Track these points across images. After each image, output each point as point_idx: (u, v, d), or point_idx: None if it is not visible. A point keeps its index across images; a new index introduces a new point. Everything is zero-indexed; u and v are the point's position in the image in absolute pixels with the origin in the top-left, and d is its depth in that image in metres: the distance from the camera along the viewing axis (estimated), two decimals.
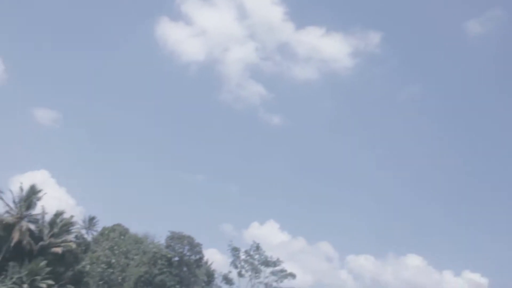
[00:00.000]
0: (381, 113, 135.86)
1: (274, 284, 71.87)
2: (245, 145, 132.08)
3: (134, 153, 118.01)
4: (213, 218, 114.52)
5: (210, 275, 75.51)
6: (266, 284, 71.95)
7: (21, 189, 55.24)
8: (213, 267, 76.96)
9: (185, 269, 70.21)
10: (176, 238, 71.95)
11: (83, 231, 68.93)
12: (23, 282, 49.61)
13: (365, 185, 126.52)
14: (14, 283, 48.45)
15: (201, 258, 73.85)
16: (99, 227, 70.89)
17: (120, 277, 58.54)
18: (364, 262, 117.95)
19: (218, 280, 76.65)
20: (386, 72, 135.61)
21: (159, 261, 65.40)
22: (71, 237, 60.52)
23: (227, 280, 73.91)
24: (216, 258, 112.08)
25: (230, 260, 73.66)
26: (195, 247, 72.55)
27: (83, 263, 58.33)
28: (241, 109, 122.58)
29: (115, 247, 59.36)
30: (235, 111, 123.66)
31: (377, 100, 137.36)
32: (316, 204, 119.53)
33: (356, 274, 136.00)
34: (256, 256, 72.70)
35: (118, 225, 67.06)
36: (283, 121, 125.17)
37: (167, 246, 71.34)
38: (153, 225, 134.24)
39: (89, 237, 69.03)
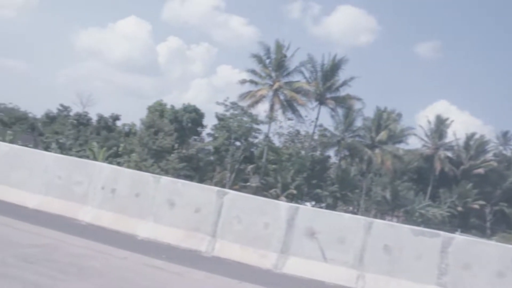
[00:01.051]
0: None
1: None
2: None
3: None
4: None
5: None
6: None
7: (429, 122, 59.80)
8: None
9: None
10: None
11: (500, 148, 66.80)
12: (456, 205, 53.72)
13: None
14: (449, 207, 53.10)
15: None
16: None
17: None
18: None
19: None
20: None
21: None
22: (489, 156, 60.66)
23: None
24: None
25: None
26: None
27: (510, 179, 57.39)
28: None
29: None
30: None
31: None
32: None
33: None
34: None
35: None
36: None
37: None
38: None
39: (508, 153, 66.48)
